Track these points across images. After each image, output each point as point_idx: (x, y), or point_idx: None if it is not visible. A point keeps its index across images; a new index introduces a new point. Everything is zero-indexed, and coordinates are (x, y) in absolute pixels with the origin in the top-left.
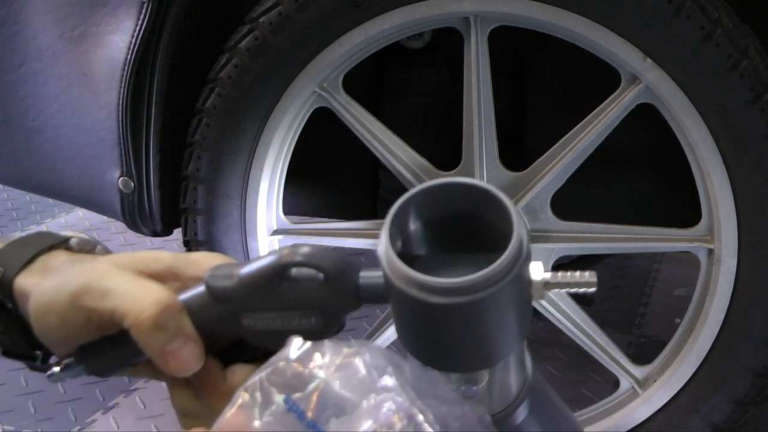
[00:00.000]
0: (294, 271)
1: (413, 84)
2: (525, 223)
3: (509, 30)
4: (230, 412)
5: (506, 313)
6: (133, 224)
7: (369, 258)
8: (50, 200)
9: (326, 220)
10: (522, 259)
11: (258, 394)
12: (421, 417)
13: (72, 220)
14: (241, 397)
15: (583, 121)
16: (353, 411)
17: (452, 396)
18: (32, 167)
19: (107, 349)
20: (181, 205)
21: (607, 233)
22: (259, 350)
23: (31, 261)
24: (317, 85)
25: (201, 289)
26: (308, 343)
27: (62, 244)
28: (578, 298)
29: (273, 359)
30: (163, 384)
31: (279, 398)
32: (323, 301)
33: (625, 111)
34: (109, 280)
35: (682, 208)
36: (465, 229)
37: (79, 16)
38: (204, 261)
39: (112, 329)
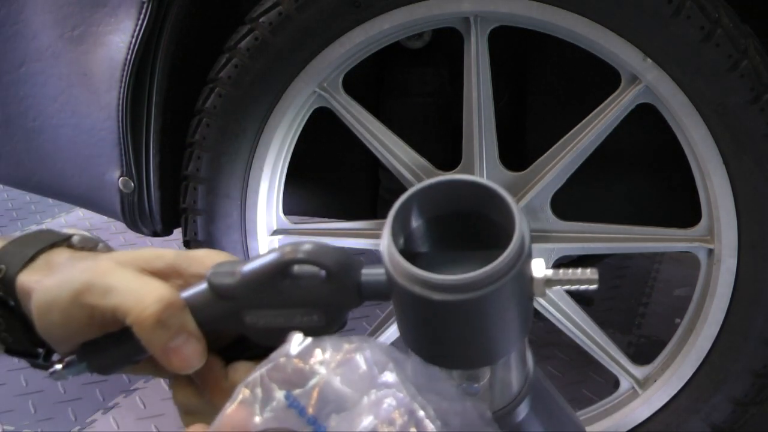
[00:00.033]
0: (296, 268)
1: (413, 84)
2: (527, 220)
3: (509, 30)
4: (231, 408)
5: (508, 310)
6: (133, 224)
7: (369, 258)
8: (50, 200)
9: (326, 220)
10: (524, 256)
11: (258, 390)
12: (421, 413)
13: (72, 220)
14: (242, 393)
15: (583, 121)
16: (354, 407)
17: (453, 392)
18: (32, 167)
19: (109, 346)
20: (181, 205)
21: (607, 233)
22: (261, 347)
23: (33, 259)
24: (317, 85)
25: (203, 286)
26: (309, 339)
27: (64, 241)
28: (578, 298)
29: (273, 355)
30: (163, 384)
31: (280, 394)
32: (325, 298)
33: (625, 111)
34: (112, 278)
35: (682, 208)
36: (467, 227)
37: (79, 16)
38: (206, 258)
39: (114, 327)
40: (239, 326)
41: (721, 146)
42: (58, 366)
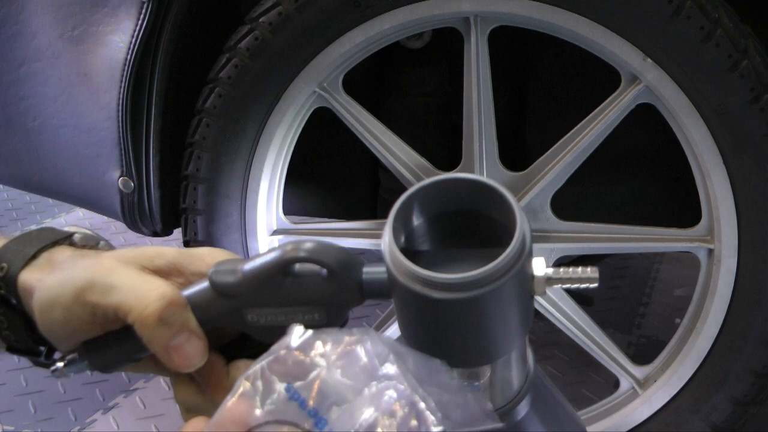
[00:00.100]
0: (297, 266)
1: (413, 84)
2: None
3: (509, 30)
4: (231, 401)
5: (509, 308)
6: (133, 224)
7: (369, 258)
8: (50, 200)
9: (326, 220)
10: (525, 254)
11: (259, 383)
12: (422, 404)
13: (72, 220)
14: (243, 385)
15: (583, 121)
16: (355, 399)
17: (454, 384)
18: (32, 167)
19: (111, 344)
20: (181, 205)
21: (607, 233)
22: (262, 346)
23: (34, 257)
24: (317, 85)
25: (205, 284)
26: (309, 332)
27: (66, 239)
28: (578, 298)
29: (274, 348)
30: (164, 384)
31: (280, 387)
32: (327, 296)
33: (625, 111)
34: (114, 276)
35: (682, 208)
36: (468, 225)
37: (79, 16)
38: (207, 257)
39: (116, 325)
40: (240, 324)
41: (721, 146)
42: (60, 364)
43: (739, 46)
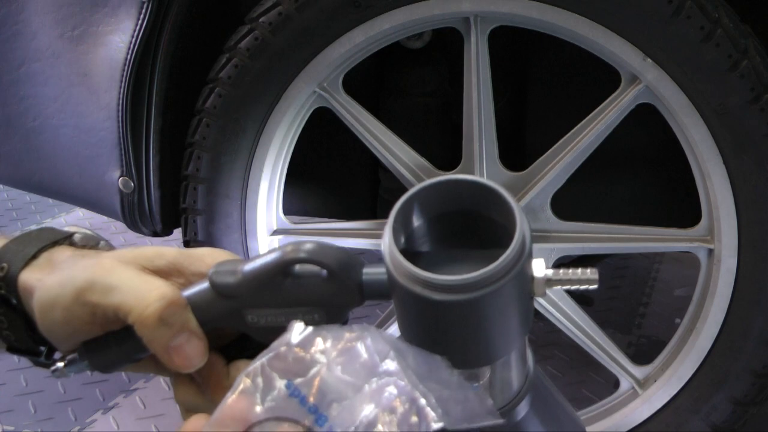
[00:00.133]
0: (297, 267)
1: (413, 84)
2: (527, 220)
3: (509, 30)
4: (232, 398)
5: (508, 309)
6: (133, 224)
7: (368, 258)
8: (50, 200)
9: (326, 220)
10: (525, 256)
11: (259, 380)
12: (423, 401)
13: (72, 220)
14: (243, 382)
15: (583, 121)
16: (355, 395)
17: (454, 380)
18: (32, 167)
19: (111, 344)
20: (181, 205)
21: (607, 233)
22: (262, 346)
23: (34, 257)
24: (317, 85)
25: (205, 285)
26: (309, 328)
27: (66, 239)
28: (578, 298)
29: (274, 344)
30: (163, 384)
31: (281, 383)
32: (327, 297)
33: (625, 111)
34: (114, 276)
35: (682, 208)
36: (468, 226)
37: (79, 16)
38: (208, 257)
39: (116, 325)
40: (241, 325)
41: (721, 146)
42: (60, 364)
43: (739, 46)
